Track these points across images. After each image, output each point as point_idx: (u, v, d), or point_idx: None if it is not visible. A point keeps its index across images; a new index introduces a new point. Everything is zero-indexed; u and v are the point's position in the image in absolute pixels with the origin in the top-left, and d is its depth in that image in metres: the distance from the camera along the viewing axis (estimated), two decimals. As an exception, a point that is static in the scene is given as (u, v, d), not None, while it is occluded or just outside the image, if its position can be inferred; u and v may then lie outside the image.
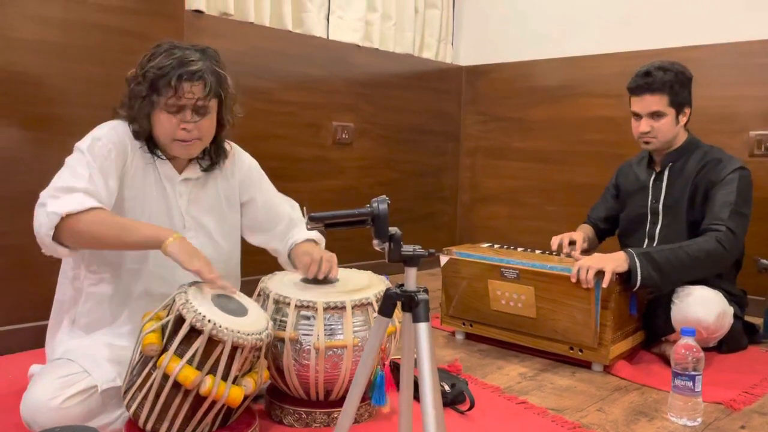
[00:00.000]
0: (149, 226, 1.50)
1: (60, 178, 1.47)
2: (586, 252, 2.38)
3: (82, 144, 1.52)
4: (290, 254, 1.79)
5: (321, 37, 3.27)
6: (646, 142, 2.26)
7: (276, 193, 1.86)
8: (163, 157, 1.60)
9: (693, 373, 1.68)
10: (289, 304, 1.55)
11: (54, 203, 1.41)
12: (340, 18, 3.39)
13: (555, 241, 2.37)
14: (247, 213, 1.79)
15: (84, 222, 1.41)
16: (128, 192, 1.57)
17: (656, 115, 2.20)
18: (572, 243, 2.38)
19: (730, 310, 2.15)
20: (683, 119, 2.24)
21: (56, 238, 1.42)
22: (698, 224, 2.16)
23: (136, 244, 1.47)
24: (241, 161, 1.78)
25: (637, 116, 2.25)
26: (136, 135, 1.56)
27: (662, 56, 2.30)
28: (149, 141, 1.58)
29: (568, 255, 2.25)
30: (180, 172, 1.64)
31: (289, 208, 1.85)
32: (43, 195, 1.45)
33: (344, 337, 1.54)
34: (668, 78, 2.18)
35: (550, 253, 2.31)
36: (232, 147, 1.76)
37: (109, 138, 1.53)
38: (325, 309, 1.54)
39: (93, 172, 1.47)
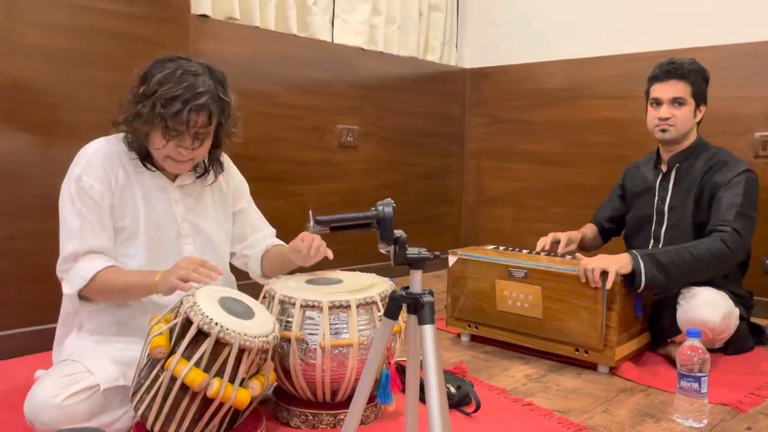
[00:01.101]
0: (137, 282, 1.54)
1: (61, 242, 1.57)
2: (585, 249, 2.38)
3: (69, 187, 1.57)
4: (264, 255, 1.82)
5: (326, 40, 3.28)
6: (663, 130, 2.23)
7: (260, 214, 1.91)
8: (154, 169, 1.63)
9: (699, 374, 1.68)
10: (294, 304, 1.56)
11: (67, 281, 1.56)
12: (345, 21, 3.40)
13: (540, 244, 2.38)
14: (234, 222, 1.83)
15: (92, 292, 1.55)
16: (118, 213, 1.60)
17: (678, 102, 2.21)
18: (557, 243, 2.40)
19: (736, 311, 2.14)
20: (699, 116, 2.25)
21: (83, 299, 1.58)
22: (703, 226, 2.16)
23: (137, 297, 1.59)
24: (233, 174, 1.83)
25: (657, 103, 2.25)
26: (131, 148, 1.60)
27: (666, 58, 2.30)
28: (143, 153, 1.60)
29: (573, 256, 2.25)
30: (173, 180, 1.66)
31: (266, 225, 1.90)
32: (58, 269, 1.58)
33: (349, 335, 1.55)
34: (693, 68, 2.21)
35: (555, 255, 2.32)
36: (227, 161, 1.79)
37: (88, 174, 1.56)
38: (330, 308, 1.55)
39: (83, 222, 1.55)
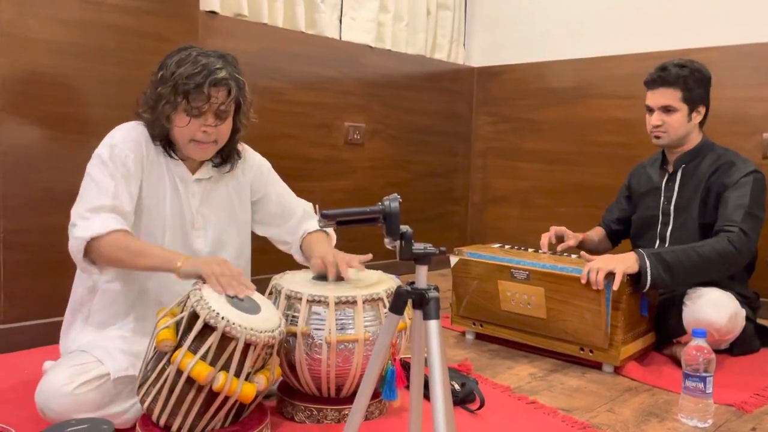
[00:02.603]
0: (162, 250, 1.54)
1: (87, 196, 1.53)
2: (591, 252, 2.37)
3: (102, 152, 1.57)
4: (302, 244, 1.83)
5: (333, 38, 3.29)
6: (657, 137, 2.26)
7: (289, 190, 1.89)
8: (177, 158, 1.65)
9: (704, 374, 1.67)
10: (300, 299, 1.57)
11: (82, 226, 1.49)
12: (353, 19, 3.40)
13: (544, 239, 2.38)
14: (260, 209, 1.83)
15: (105, 246, 1.49)
16: (145, 191, 1.61)
17: (667, 109, 2.21)
18: (561, 240, 2.39)
19: (742, 312, 2.14)
20: (697, 117, 2.24)
21: (87, 257, 1.51)
22: (710, 227, 2.16)
23: (150, 269, 1.54)
24: (252, 161, 1.82)
25: (650, 110, 2.26)
26: (153, 138, 1.62)
27: (675, 57, 2.30)
28: (166, 141, 1.63)
29: (578, 255, 2.25)
30: (193, 172, 1.68)
31: (302, 204, 1.89)
32: (74, 215, 1.53)
33: (355, 331, 1.56)
34: (683, 73, 2.18)
35: (561, 254, 2.32)
36: (243, 148, 1.79)
37: (125, 143, 1.58)
38: (336, 303, 1.56)
39: (117, 182, 1.54)
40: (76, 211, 1.53)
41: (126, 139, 1.59)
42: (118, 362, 1.49)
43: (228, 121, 1.61)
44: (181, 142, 1.60)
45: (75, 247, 1.50)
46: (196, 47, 1.59)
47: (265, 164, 1.85)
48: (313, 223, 1.85)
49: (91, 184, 1.54)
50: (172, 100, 1.53)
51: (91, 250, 1.49)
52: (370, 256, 1.69)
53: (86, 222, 1.49)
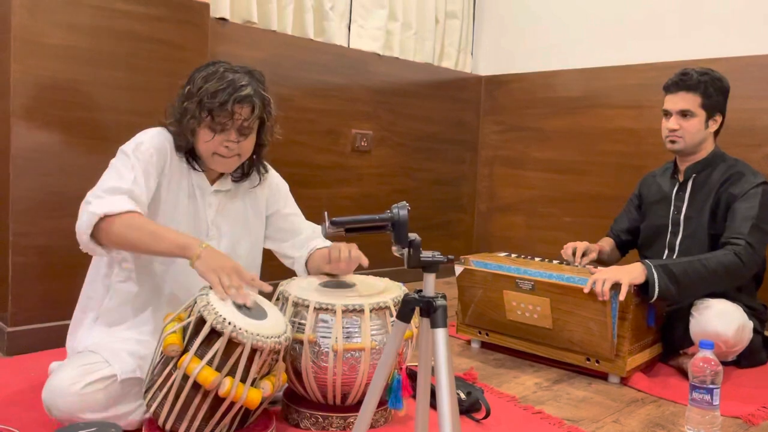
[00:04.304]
0: (179, 235, 1.52)
1: (106, 179, 1.55)
2: (603, 263, 2.37)
3: (127, 147, 1.60)
4: (308, 260, 1.84)
5: (342, 45, 3.30)
6: (672, 141, 2.25)
7: (301, 213, 1.93)
8: (198, 169, 1.68)
9: (711, 386, 1.67)
10: (308, 306, 1.57)
11: (96, 203, 1.49)
12: (361, 27, 3.42)
13: (567, 253, 2.36)
14: (270, 224, 1.87)
15: (119, 224, 1.47)
16: (164, 195, 1.64)
17: (685, 114, 2.20)
18: (584, 254, 2.38)
19: (750, 324, 2.13)
20: (713, 125, 2.24)
21: (94, 236, 1.49)
22: (719, 237, 2.15)
23: (164, 253, 1.51)
24: (271, 178, 1.86)
25: (667, 114, 2.25)
26: (179, 148, 1.65)
27: (681, 68, 2.30)
28: (190, 152, 1.66)
29: (594, 265, 2.24)
30: (212, 183, 1.71)
31: (311, 226, 1.92)
32: (89, 194, 1.54)
33: (362, 340, 1.56)
34: (704, 79, 2.19)
35: (567, 264, 2.31)
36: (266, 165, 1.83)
37: (151, 143, 1.61)
38: (343, 312, 1.56)
39: (137, 174, 1.56)
40: (91, 191, 1.54)
41: (153, 140, 1.62)
42: (126, 363, 1.50)
43: (251, 137, 1.64)
44: (204, 154, 1.63)
45: (85, 222, 1.47)
46: (224, 63, 1.62)
47: (284, 186, 1.90)
48: (321, 241, 1.87)
49: (111, 171, 1.57)
50: (197, 116, 1.57)
51: (100, 229, 1.47)
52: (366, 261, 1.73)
53: (101, 200, 1.49)
